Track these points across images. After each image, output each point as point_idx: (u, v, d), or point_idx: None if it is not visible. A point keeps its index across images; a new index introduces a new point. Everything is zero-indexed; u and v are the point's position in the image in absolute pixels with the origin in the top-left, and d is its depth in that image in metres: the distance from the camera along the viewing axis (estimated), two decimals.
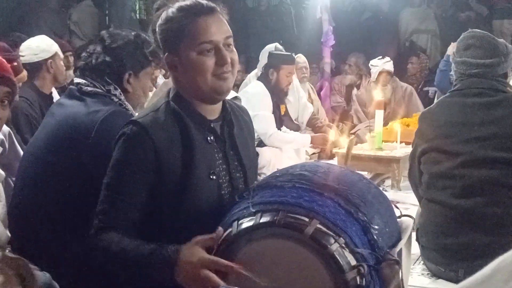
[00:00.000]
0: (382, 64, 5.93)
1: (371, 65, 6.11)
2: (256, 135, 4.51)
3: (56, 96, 4.22)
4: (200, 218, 1.65)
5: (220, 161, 1.76)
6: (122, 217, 1.63)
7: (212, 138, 1.75)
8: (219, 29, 1.69)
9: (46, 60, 3.96)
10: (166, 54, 1.74)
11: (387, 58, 5.99)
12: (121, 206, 1.63)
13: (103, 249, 1.60)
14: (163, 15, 1.73)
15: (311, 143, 4.99)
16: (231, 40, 1.73)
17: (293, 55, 5.02)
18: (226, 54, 1.69)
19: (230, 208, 1.60)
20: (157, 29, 1.75)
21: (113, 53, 2.22)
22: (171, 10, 1.72)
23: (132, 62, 2.24)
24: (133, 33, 2.30)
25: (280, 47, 5.06)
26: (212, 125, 1.76)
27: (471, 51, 2.59)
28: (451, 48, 4.79)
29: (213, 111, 1.78)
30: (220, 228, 1.50)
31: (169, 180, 1.65)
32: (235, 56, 1.73)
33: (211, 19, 1.69)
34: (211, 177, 1.71)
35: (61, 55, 4.16)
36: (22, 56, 3.91)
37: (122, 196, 1.64)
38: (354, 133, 5.77)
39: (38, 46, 3.97)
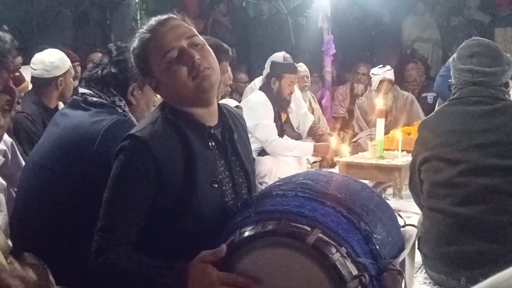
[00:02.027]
0: (382, 72, 5.94)
1: (372, 73, 6.11)
2: (257, 144, 4.56)
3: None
4: (204, 227, 1.64)
5: (223, 168, 1.74)
6: (122, 235, 1.61)
7: (213, 144, 1.73)
8: (177, 32, 1.69)
9: (57, 77, 3.83)
10: (148, 80, 1.76)
11: (388, 67, 6.00)
12: (121, 223, 1.61)
13: (106, 269, 1.58)
14: (130, 52, 1.77)
15: (314, 151, 4.97)
16: (197, 39, 1.71)
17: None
18: (191, 52, 1.66)
19: (232, 216, 1.60)
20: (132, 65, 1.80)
21: (119, 65, 2.23)
22: (133, 43, 1.75)
23: (137, 75, 2.25)
24: None
25: (288, 56, 5.07)
26: (212, 131, 1.74)
27: (477, 59, 2.58)
28: None
29: (211, 117, 1.75)
30: (223, 245, 1.49)
31: (172, 192, 1.64)
32: (207, 53, 1.71)
33: (167, 28, 1.70)
34: (213, 185, 1.69)
35: (73, 72, 4.03)
36: (34, 70, 3.80)
37: (123, 212, 1.62)
38: (355, 142, 5.77)
39: (52, 63, 3.81)
